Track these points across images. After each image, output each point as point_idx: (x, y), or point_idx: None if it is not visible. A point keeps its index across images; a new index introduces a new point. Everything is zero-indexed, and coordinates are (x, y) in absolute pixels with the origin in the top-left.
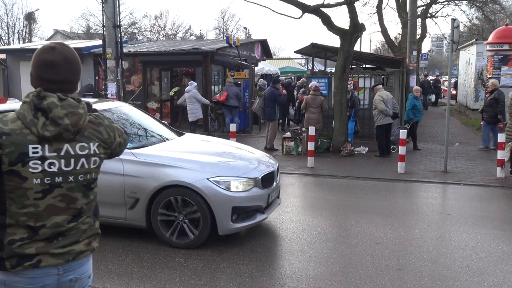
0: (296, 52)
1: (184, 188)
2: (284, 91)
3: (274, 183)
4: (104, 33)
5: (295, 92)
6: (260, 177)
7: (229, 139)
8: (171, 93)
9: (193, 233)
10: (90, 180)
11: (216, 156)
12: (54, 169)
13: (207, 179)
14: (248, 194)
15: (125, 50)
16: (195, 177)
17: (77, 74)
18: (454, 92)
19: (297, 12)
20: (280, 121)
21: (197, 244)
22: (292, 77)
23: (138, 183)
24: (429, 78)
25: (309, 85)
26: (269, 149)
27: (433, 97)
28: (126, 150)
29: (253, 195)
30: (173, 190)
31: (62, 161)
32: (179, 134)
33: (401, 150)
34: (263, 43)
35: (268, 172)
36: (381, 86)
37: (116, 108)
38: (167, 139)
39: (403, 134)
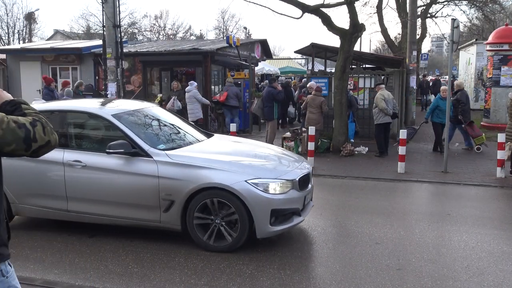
0: (296, 52)
1: (222, 190)
2: (279, 87)
3: (309, 185)
4: (104, 33)
5: (296, 92)
6: (297, 179)
7: None
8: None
9: (230, 236)
10: None
11: (251, 157)
12: None
13: (245, 181)
14: (286, 196)
15: (125, 50)
16: (233, 179)
17: None
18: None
19: (297, 12)
20: (280, 121)
21: (234, 247)
22: (292, 77)
23: (174, 185)
24: (428, 78)
25: (307, 85)
26: None
27: (432, 98)
28: (159, 152)
29: (290, 197)
30: (210, 192)
31: None
32: (208, 135)
33: (401, 150)
34: (263, 43)
35: (305, 174)
36: (383, 85)
37: (146, 109)
38: (198, 140)
39: (403, 134)
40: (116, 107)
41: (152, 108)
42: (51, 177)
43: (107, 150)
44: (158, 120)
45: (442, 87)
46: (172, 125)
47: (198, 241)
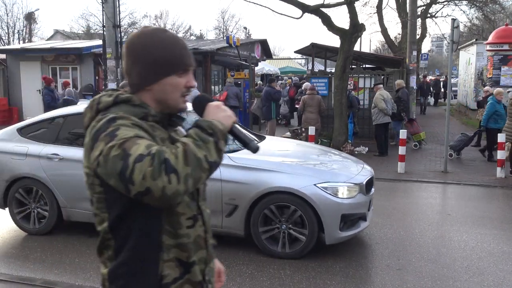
0: (296, 52)
1: (289, 195)
2: (278, 87)
3: (373, 189)
4: (104, 33)
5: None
6: (364, 183)
7: None
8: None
9: (297, 242)
10: (93, 204)
11: (314, 160)
12: None
13: (315, 185)
14: (354, 201)
15: None
16: (302, 183)
17: (128, 64)
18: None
19: (297, 12)
20: (280, 120)
21: (301, 254)
22: (292, 77)
23: (238, 189)
24: (428, 78)
25: (303, 87)
26: None
27: (432, 101)
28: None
29: (358, 201)
30: (277, 196)
31: None
32: (260, 137)
33: (401, 150)
34: (263, 43)
35: (370, 177)
36: (381, 85)
37: None
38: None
39: (403, 134)
40: None
41: None
42: None
43: None
44: None
45: (496, 90)
46: None
47: (263, 248)
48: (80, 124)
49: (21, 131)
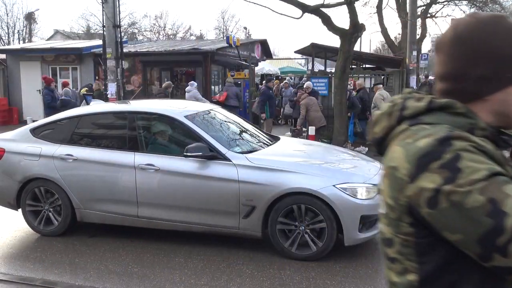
0: (296, 52)
1: (308, 196)
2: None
3: None
4: (104, 33)
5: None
6: None
7: None
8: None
9: (316, 244)
10: (392, 245)
11: (332, 161)
12: None
13: (334, 185)
14: (373, 202)
15: (125, 50)
16: (320, 184)
17: (455, 63)
18: None
19: (297, 12)
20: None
21: (320, 256)
22: (292, 77)
23: (255, 190)
24: (430, 78)
25: (304, 86)
26: None
27: None
28: (239, 155)
29: (377, 202)
30: (295, 197)
31: None
32: (275, 137)
33: None
34: (263, 43)
35: None
36: (381, 85)
37: (212, 111)
38: (270, 142)
39: None
40: (185, 108)
41: (218, 109)
42: (121, 182)
43: (185, 154)
44: (226, 121)
45: None
46: (241, 127)
47: (280, 249)
48: (94, 125)
49: (34, 131)
